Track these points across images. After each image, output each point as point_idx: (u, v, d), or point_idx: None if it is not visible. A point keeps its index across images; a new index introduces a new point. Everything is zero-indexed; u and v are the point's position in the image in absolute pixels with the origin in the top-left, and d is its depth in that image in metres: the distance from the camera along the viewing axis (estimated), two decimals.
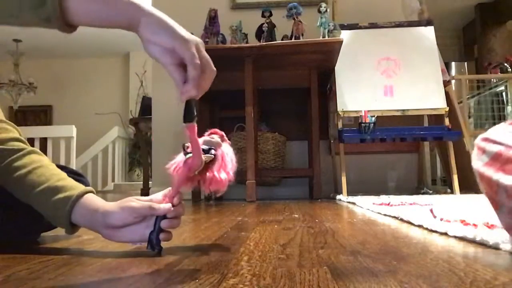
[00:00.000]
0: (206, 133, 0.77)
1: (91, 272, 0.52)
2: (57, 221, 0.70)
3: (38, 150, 0.78)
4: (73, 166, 4.13)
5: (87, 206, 0.69)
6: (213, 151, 0.70)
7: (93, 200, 0.70)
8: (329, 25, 2.44)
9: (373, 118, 2.40)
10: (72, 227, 0.70)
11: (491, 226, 0.77)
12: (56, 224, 0.72)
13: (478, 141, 0.63)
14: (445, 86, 2.58)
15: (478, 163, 0.61)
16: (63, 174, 0.75)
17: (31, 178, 0.71)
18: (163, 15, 0.58)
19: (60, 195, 0.69)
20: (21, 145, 0.77)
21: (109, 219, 0.66)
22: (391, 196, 2.21)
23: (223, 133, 0.79)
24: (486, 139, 0.61)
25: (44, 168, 0.74)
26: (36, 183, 0.71)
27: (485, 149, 0.60)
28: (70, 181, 0.73)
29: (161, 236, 0.66)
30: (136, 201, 0.67)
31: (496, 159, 0.57)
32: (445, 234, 0.80)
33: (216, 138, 0.75)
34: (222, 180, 0.69)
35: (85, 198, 0.70)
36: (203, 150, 0.68)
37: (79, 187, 0.72)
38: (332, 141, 2.93)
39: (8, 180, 0.72)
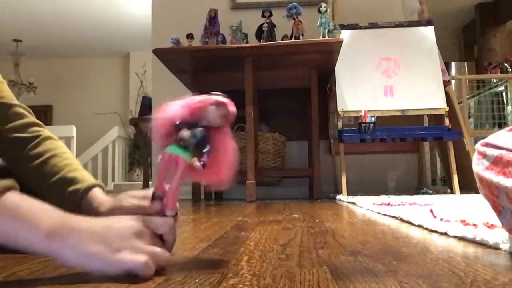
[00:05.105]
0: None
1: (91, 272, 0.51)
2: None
3: (53, 136, 0.80)
4: None
5: (89, 202, 0.69)
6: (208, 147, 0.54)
7: (95, 197, 0.70)
8: (329, 25, 2.44)
9: (373, 118, 2.40)
10: None
11: (491, 226, 0.77)
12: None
13: (478, 146, 0.63)
14: (445, 86, 2.58)
15: (478, 167, 0.61)
16: (75, 164, 0.75)
17: (45, 169, 0.72)
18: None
19: (70, 188, 0.70)
20: (38, 129, 0.78)
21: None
22: (391, 196, 2.21)
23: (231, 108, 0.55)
24: (487, 144, 0.61)
25: (57, 157, 0.74)
26: (48, 174, 0.71)
27: (485, 153, 0.60)
28: (80, 173, 0.74)
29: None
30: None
31: (497, 163, 0.57)
32: (445, 234, 0.80)
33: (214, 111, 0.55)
34: (223, 181, 0.58)
35: (90, 193, 0.70)
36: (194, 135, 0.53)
37: (87, 180, 0.72)
38: (332, 141, 2.93)
39: (25, 169, 0.73)
